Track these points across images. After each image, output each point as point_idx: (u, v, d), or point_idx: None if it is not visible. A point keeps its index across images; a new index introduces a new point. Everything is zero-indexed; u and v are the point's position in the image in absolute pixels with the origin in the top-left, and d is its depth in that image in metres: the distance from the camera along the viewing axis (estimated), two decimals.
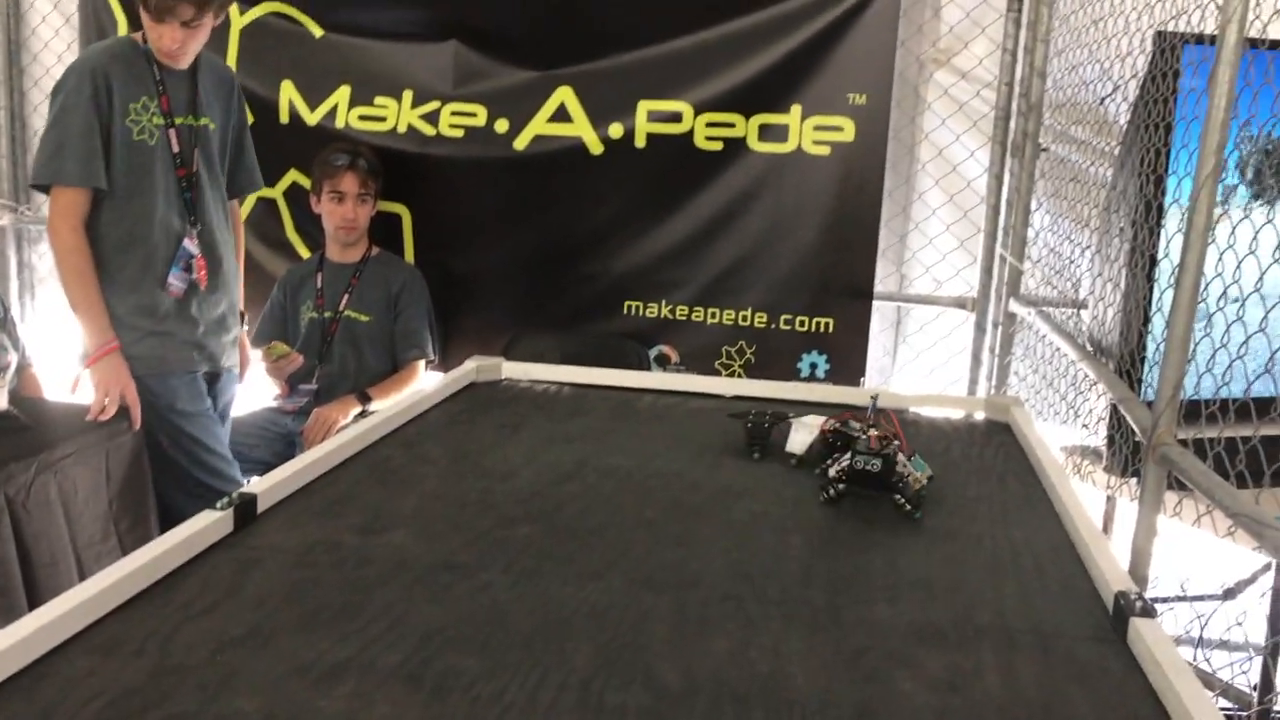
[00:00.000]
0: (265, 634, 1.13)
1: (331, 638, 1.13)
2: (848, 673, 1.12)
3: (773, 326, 3.25)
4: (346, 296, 3.24)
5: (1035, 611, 1.29)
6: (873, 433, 1.66)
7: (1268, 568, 2.12)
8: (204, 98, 2.67)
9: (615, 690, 1.06)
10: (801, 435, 1.83)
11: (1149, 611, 1.23)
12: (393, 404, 2.07)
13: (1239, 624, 2.11)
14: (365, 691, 1.03)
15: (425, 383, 3.24)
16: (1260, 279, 1.53)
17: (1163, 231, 1.93)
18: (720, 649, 1.16)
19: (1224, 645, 2.61)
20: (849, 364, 3.22)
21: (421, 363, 3.30)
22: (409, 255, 3.42)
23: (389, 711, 0.99)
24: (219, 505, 1.39)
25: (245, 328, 2.97)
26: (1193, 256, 1.45)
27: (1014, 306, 2.95)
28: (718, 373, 3.30)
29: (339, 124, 3.34)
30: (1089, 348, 2.27)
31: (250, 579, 1.27)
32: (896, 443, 1.65)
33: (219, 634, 1.13)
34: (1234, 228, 1.62)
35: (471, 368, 2.33)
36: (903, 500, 1.58)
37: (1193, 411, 1.69)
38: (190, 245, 2.63)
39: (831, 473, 1.65)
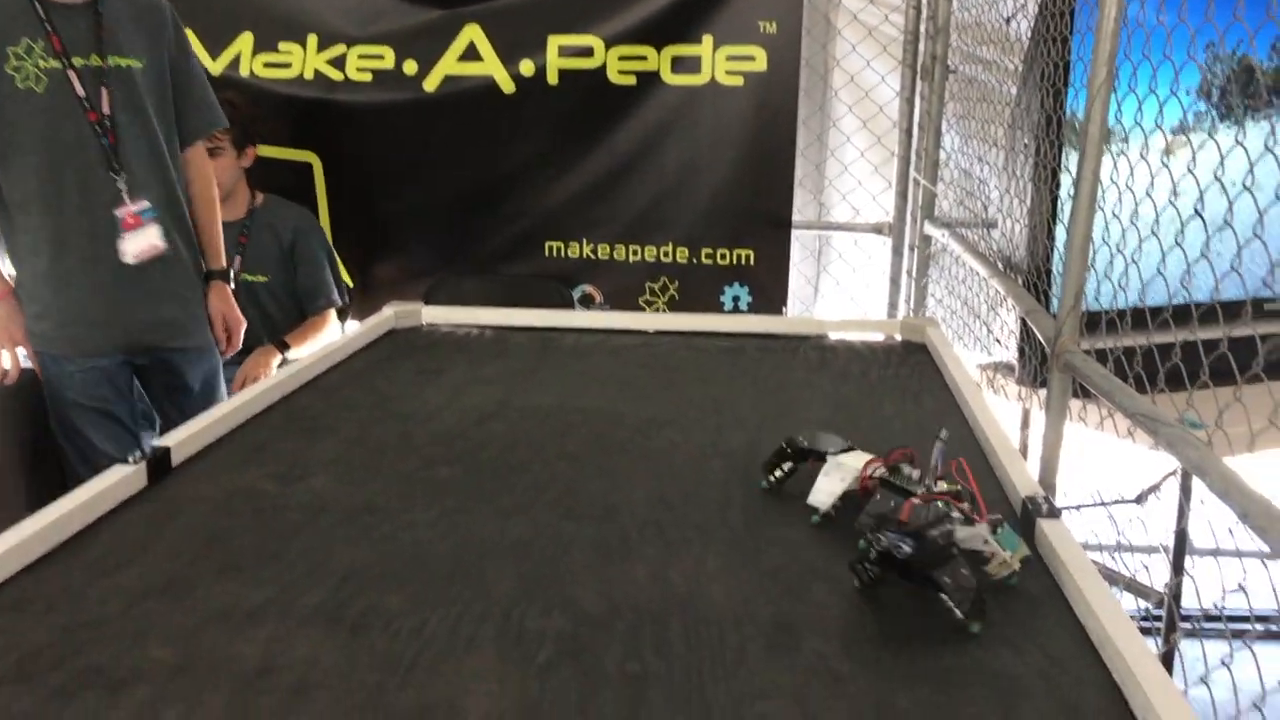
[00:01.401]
0: (181, 584, 1.13)
1: (249, 584, 1.13)
2: (765, 589, 1.15)
3: (694, 261, 3.26)
4: (239, 259, 3.02)
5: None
6: (926, 489, 1.20)
7: (1174, 473, 2.19)
8: (117, 34, 2.33)
9: (535, 617, 1.07)
10: (831, 483, 1.30)
11: (1054, 513, 1.27)
12: (310, 351, 2.05)
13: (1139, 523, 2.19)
14: (284, 634, 1.03)
15: (338, 331, 3.19)
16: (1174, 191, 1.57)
17: (1066, 145, 1.97)
18: (640, 574, 1.18)
19: (1136, 549, 2.70)
20: (771, 295, 3.24)
21: (332, 310, 3.19)
22: (321, 204, 3.36)
23: (308, 652, 1.00)
24: (130, 459, 1.37)
25: (232, 286, 2.71)
26: (1089, 167, 1.48)
27: (929, 229, 2.98)
28: (642, 310, 3.30)
29: (243, 72, 3.26)
30: (999, 265, 2.31)
31: (166, 531, 1.25)
32: (958, 509, 1.13)
33: (133, 587, 1.12)
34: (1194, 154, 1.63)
35: (390, 314, 2.31)
36: (950, 605, 1.04)
37: (1095, 322, 1.73)
38: (117, 206, 2.34)
39: (874, 550, 1.10)
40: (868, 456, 1.31)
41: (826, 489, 1.29)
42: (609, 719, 0.90)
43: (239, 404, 1.66)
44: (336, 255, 3.26)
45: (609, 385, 1.92)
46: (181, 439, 1.48)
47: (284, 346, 3.07)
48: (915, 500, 1.13)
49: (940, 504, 1.12)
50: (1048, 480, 1.56)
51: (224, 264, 2.67)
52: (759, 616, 1.08)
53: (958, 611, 1.03)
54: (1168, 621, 2.07)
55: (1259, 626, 1.94)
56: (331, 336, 3.07)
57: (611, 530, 1.29)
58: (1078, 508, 2.39)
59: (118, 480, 1.33)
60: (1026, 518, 1.28)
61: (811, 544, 1.26)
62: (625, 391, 1.88)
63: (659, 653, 1.01)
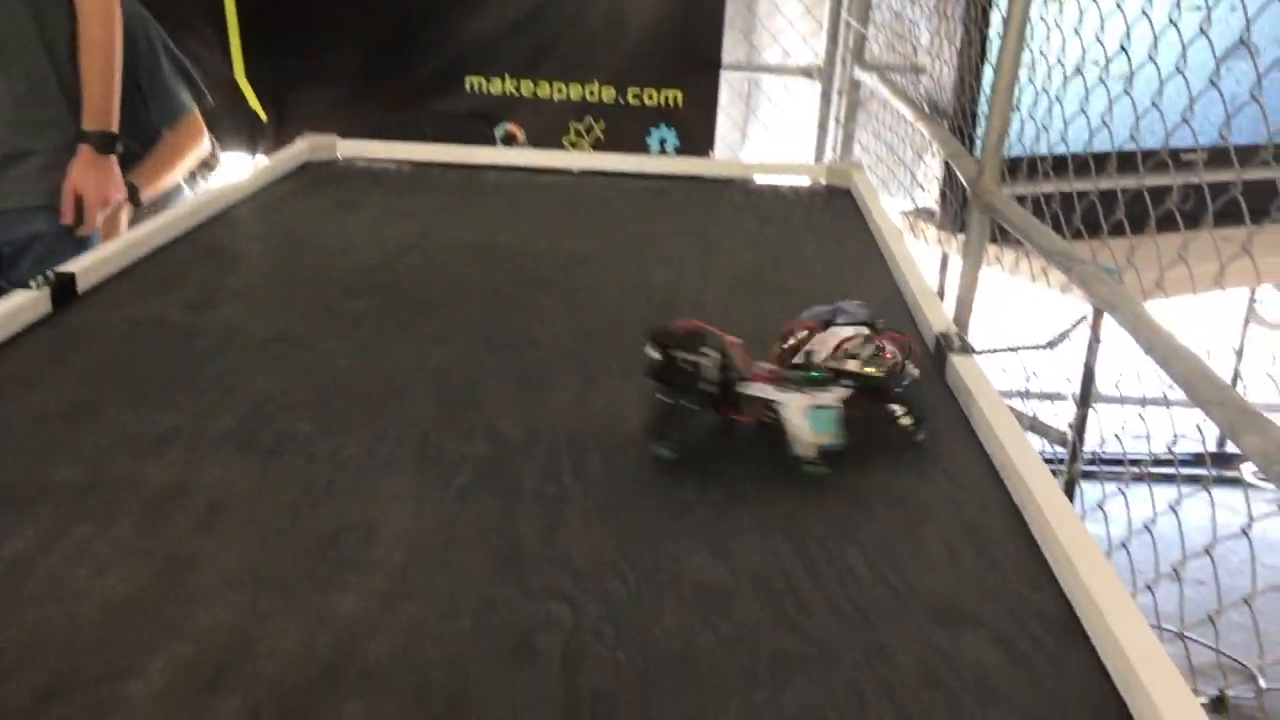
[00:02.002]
0: (88, 408, 1.10)
1: (159, 409, 1.11)
2: None
3: (621, 101, 3.19)
4: None
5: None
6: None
7: (1084, 319, 2.25)
8: None
9: (454, 443, 1.07)
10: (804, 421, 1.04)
11: (967, 349, 1.29)
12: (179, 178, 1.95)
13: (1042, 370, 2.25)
14: (195, 458, 1.02)
15: (206, 147, 2.56)
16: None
17: None
18: (560, 402, 1.18)
19: (1044, 396, 2.80)
20: (699, 138, 3.20)
21: (192, 115, 2.50)
22: (232, 35, 3.19)
23: (221, 474, 0.99)
24: (33, 284, 1.33)
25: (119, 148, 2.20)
26: (1018, 6, 1.46)
27: (858, 74, 2.94)
28: (565, 150, 3.24)
29: None
30: (926, 109, 2.30)
31: (72, 356, 1.22)
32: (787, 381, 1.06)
33: (39, 410, 1.09)
34: None
35: (304, 146, 2.23)
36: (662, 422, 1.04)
37: (1016, 169, 1.74)
38: None
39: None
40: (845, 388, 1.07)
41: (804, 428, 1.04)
42: (526, 538, 0.91)
43: (145, 233, 1.60)
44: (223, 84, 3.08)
45: (532, 222, 1.89)
46: (86, 265, 1.43)
47: (133, 194, 2.31)
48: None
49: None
50: (962, 319, 1.59)
51: (100, 125, 2.11)
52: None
53: (658, 433, 1.05)
54: (1070, 452, 2.15)
55: (1154, 469, 2.02)
56: (199, 154, 2.54)
57: (532, 360, 1.29)
58: (992, 351, 2.45)
59: (20, 304, 1.29)
60: (939, 352, 1.30)
61: None
62: (549, 229, 1.86)
63: (577, 475, 1.02)
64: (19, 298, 1.30)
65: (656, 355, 1.04)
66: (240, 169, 2.08)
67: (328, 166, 2.22)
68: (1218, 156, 1.34)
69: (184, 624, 0.78)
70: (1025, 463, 1.02)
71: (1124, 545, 1.53)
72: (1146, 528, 1.52)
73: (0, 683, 0.71)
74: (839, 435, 1.03)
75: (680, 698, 0.73)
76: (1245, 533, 1.42)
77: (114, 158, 2.14)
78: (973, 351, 1.30)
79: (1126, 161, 1.56)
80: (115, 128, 2.13)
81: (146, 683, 0.72)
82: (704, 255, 1.75)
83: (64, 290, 1.36)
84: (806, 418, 1.02)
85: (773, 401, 1.04)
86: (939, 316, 1.41)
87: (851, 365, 1.07)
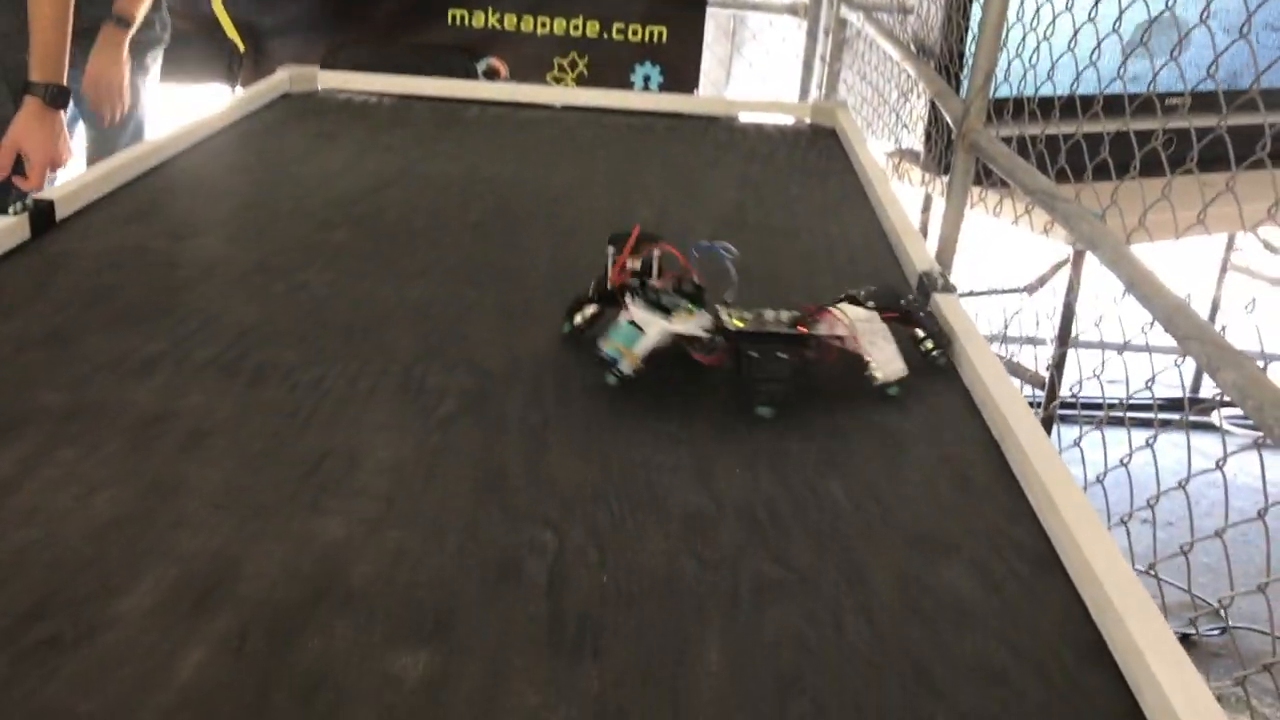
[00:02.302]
0: (69, 335, 1.10)
1: (140, 336, 1.10)
2: (665, 348, 1.16)
3: (605, 36, 3.15)
4: None
5: (844, 293, 1.35)
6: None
7: (1064, 263, 2.26)
8: None
9: (437, 374, 1.07)
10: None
11: (949, 288, 1.30)
12: None
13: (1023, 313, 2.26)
14: (178, 384, 1.01)
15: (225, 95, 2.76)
16: None
17: None
18: (542, 335, 1.18)
19: (1023, 341, 2.82)
20: (683, 75, 3.17)
21: None
22: None
23: (204, 401, 0.99)
24: (11, 210, 1.31)
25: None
26: None
27: (845, 12, 2.92)
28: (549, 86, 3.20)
29: None
30: (913, 49, 2.28)
31: (51, 283, 1.21)
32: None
33: (18, 336, 1.09)
34: None
35: (284, 77, 2.20)
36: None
37: (1001, 111, 1.74)
38: None
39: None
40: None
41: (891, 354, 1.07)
42: (510, 466, 0.92)
43: (123, 162, 1.58)
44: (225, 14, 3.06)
45: (514, 158, 1.88)
46: (65, 194, 1.41)
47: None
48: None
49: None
50: (945, 259, 1.59)
51: (50, 76, 1.89)
52: (658, 373, 1.10)
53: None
54: (1048, 391, 2.17)
55: (1130, 415, 2.04)
56: None
57: (515, 294, 1.28)
58: (970, 294, 2.46)
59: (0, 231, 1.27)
60: (922, 290, 1.31)
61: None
62: (531, 164, 1.84)
63: (561, 406, 1.03)
64: None
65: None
66: (219, 100, 2.04)
67: (308, 98, 2.19)
68: (1202, 101, 1.34)
69: (170, 546, 0.78)
70: (1005, 398, 1.03)
71: (1099, 480, 1.55)
72: (1122, 463, 1.54)
73: None
74: (620, 351, 1.03)
75: (664, 620, 0.75)
76: (1219, 466, 1.44)
77: (62, 114, 1.93)
78: (955, 290, 1.30)
79: (1112, 105, 1.56)
80: (65, 80, 1.92)
81: (135, 601, 0.72)
82: (689, 192, 1.74)
83: (42, 217, 1.35)
84: (618, 326, 1.04)
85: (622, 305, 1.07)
86: (922, 255, 1.41)
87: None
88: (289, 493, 0.86)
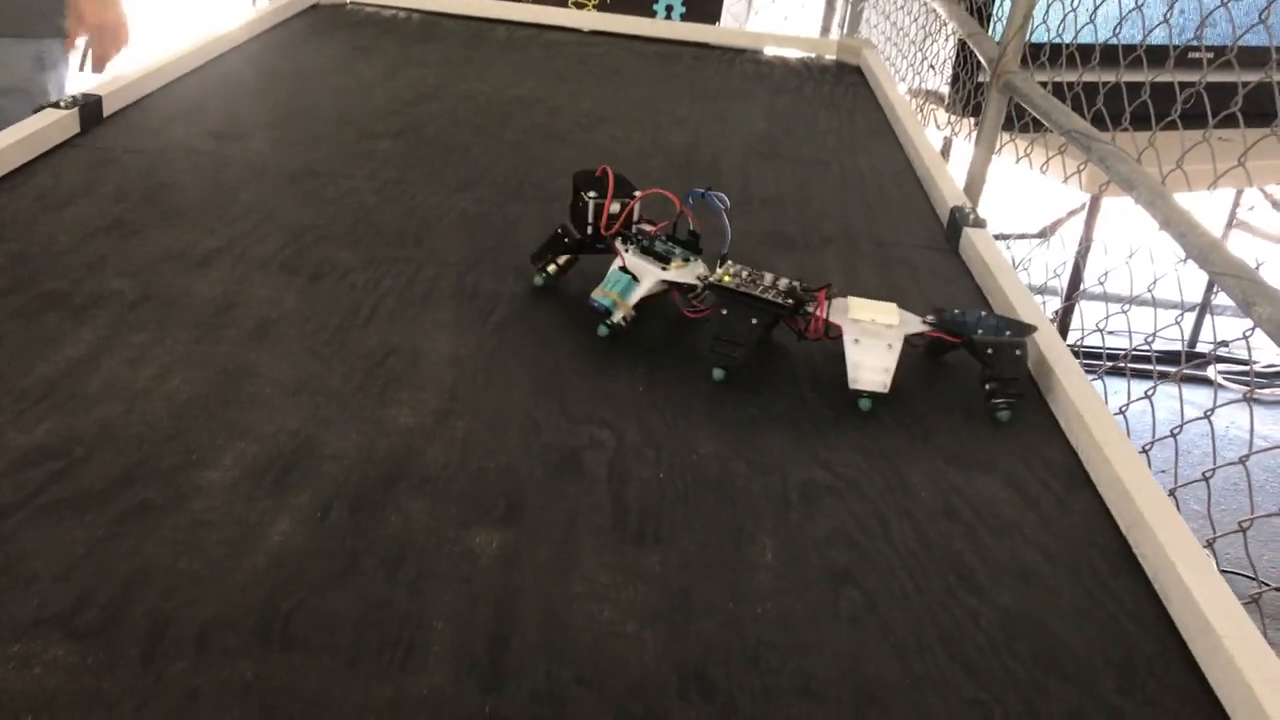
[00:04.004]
0: (130, 226, 1.12)
1: (198, 231, 1.13)
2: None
3: None
4: None
5: (876, 225, 1.38)
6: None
7: (1080, 208, 2.29)
8: None
9: (489, 280, 1.11)
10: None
11: (980, 223, 1.33)
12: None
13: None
14: (240, 277, 1.04)
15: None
16: None
17: None
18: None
19: (1036, 292, 2.85)
20: (705, 6, 3.15)
21: None
22: None
23: (268, 294, 1.02)
24: (61, 103, 1.33)
25: None
26: None
27: None
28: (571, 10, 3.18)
29: None
30: None
31: (106, 176, 1.23)
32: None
33: (81, 225, 1.11)
34: None
35: None
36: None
37: (1035, 57, 1.75)
38: None
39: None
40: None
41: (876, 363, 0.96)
42: (565, 371, 0.96)
43: (167, 61, 1.59)
44: None
45: (545, 78, 1.89)
46: (112, 90, 1.42)
47: None
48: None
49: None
50: (973, 197, 1.62)
51: None
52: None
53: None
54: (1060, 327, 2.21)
55: (1132, 366, 2.09)
56: None
57: (557, 211, 1.31)
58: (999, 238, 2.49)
59: (50, 123, 1.29)
60: (953, 225, 1.34)
61: (751, 233, 1.30)
62: (562, 86, 1.86)
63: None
64: (49, 116, 1.30)
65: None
66: (243, 9, 2.04)
67: (337, 10, 2.19)
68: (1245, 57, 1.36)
69: (248, 426, 0.82)
70: (1039, 328, 1.07)
71: None
72: (1120, 412, 1.59)
73: (77, 469, 0.75)
74: (614, 301, 1.00)
75: (719, 514, 0.79)
76: (1207, 416, 1.49)
77: None
78: (985, 225, 1.34)
79: (1152, 55, 1.58)
80: None
81: (219, 474, 0.76)
82: (718, 121, 1.76)
83: (91, 112, 1.36)
84: (611, 273, 1.01)
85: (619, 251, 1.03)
86: (953, 191, 1.44)
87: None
88: (358, 383, 0.89)
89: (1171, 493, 1.58)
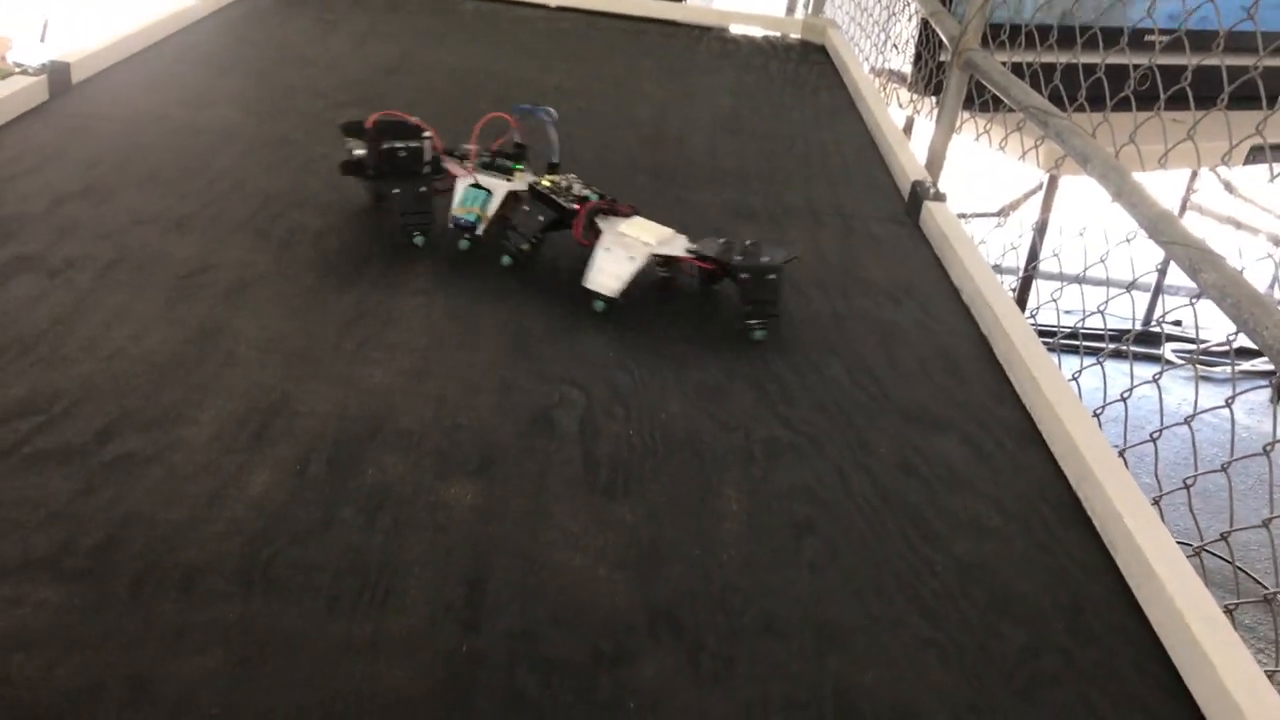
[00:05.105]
0: (103, 191, 1.13)
1: (172, 195, 1.13)
2: None
3: None
4: None
5: (839, 198, 1.41)
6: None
7: (1037, 188, 2.34)
8: None
9: (458, 247, 1.12)
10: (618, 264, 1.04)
11: (940, 197, 1.37)
12: None
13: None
14: (215, 239, 1.05)
15: None
16: None
17: None
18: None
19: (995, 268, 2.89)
20: None
21: None
22: None
23: (240, 256, 1.03)
24: (30, 70, 1.33)
25: None
26: None
27: None
28: None
29: None
30: None
31: (77, 142, 1.24)
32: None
33: (53, 189, 1.12)
34: None
35: None
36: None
37: (994, 36, 1.79)
38: None
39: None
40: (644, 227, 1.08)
41: (613, 270, 1.03)
42: (535, 333, 0.98)
43: (133, 31, 1.59)
44: None
45: (513, 52, 1.90)
46: (80, 58, 1.42)
47: None
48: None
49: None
50: (934, 169, 1.66)
51: None
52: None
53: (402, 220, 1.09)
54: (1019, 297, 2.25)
55: (1085, 344, 2.14)
56: None
57: None
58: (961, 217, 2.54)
59: (19, 89, 1.29)
60: (914, 199, 1.37)
61: (715, 204, 1.33)
62: (530, 60, 1.87)
63: (576, 279, 1.08)
64: (17, 83, 1.30)
65: (360, 150, 1.09)
66: None
67: None
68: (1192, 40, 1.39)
69: (224, 382, 0.84)
70: (992, 295, 1.11)
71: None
72: (1073, 379, 1.63)
73: (59, 423, 0.77)
74: (475, 213, 1.10)
75: (686, 469, 0.81)
76: (1154, 380, 1.53)
77: None
78: (945, 199, 1.37)
79: (1091, 36, 1.62)
80: None
81: (198, 429, 0.78)
82: (684, 97, 1.79)
83: (61, 79, 1.36)
84: (463, 190, 1.11)
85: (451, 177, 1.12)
86: (914, 166, 1.48)
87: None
88: (332, 342, 0.91)
89: (1121, 454, 1.62)
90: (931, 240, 1.30)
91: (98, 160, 1.20)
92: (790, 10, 3.22)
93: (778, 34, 2.33)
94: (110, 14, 3.07)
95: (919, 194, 1.36)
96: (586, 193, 1.10)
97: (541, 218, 1.08)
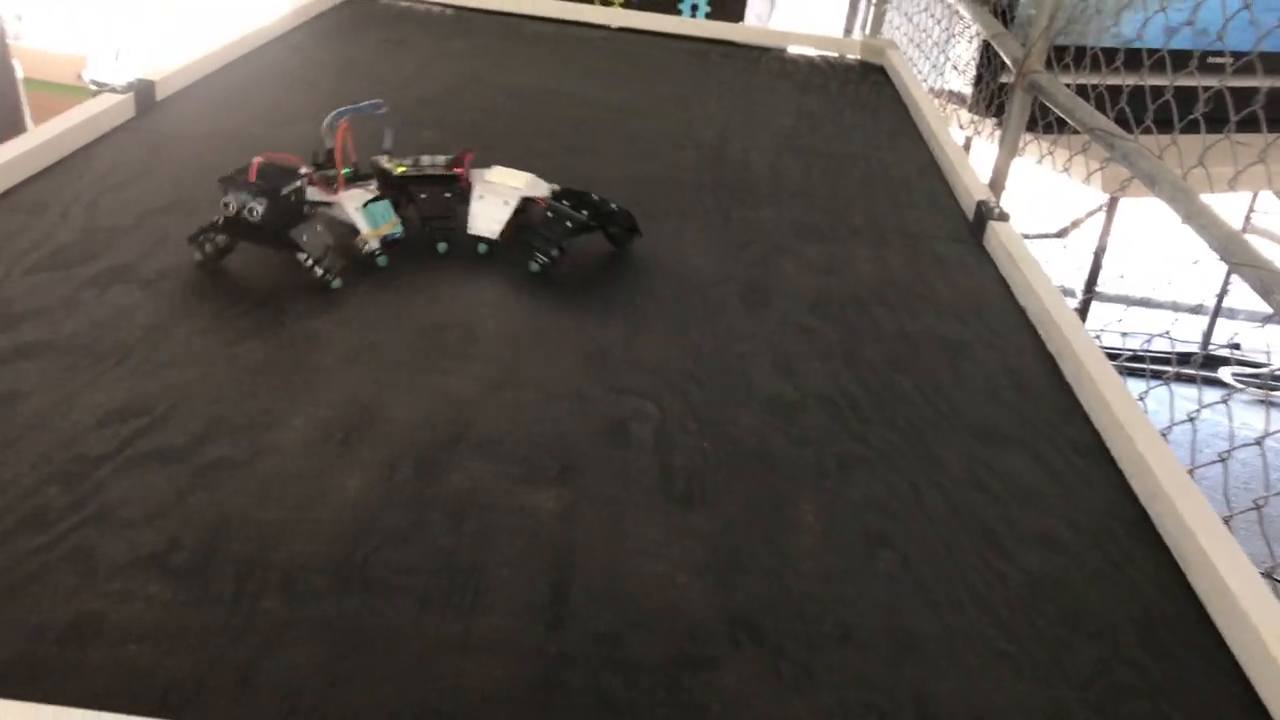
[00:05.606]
0: (186, 206, 1.17)
1: None
2: (738, 257, 1.24)
3: None
4: None
5: (903, 217, 1.43)
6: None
7: (1099, 209, 2.33)
8: None
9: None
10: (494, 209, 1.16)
11: (1004, 217, 1.37)
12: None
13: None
14: None
15: None
16: None
17: None
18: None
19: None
20: (729, 6, 3.19)
21: None
22: None
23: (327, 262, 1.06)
24: (117, 88, 1.38)
25: None
26: None
27: None
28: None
29: None
30: None
31: (161, 159, 1.28)
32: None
33: (140, 203, 1.16)
34: None
35: None
36: (310, 263, 1.02)
37: (1059, 58, 1.79)
38: None
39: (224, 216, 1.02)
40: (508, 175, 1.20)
41: (491, 215, 1.15)
42: (610, 346, 1.00)
43: (210, 52, 1.64)
44: None
45: (578, 72, 1.94)
46: (165, 75, 1.47)
47: None
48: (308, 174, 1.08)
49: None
50: (996, 190, 1.66)
51: None
52: (736, 278, 1.18)
53: (318, 269, 1.02)
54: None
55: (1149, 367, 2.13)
56: None
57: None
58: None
59: (108, 107, 1.34)
60: (979, 219, 1.38)
61: (779, 222, 1.35)
62: (595, 80, 1.90)
63: (649, 297, 1.10)
64: (107, 100, 1.35)
65: (259, 204, 1.00)
66: (279, 3, 2.09)
67: (371, 4, 2.23)
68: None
69: (315, 390, 0.87)
70: (1060, 315, 1.11)
71: None
72: (1140, 398, 1.63)
73: (157, 427, 0.80)
74: (395, 226, 1.11)
75: (761, 482, 0.83)
76: (1223, 401, 1.53)
77: None
78: (1009, 219, 1.38)
79: (1167, 59, 1.62)
80: None
81: (291, 434, 0.81)
82: (746, 116, 1.81)
83: (146, 97, 1.41)
84: (362, 212, 1.10)
85: (328, 203, 1.10)
86: (977, 186, 1.49)
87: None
88: (417, 354, 0.94)
89: (1190, 473, 1.62)
90: (996, 260, 1.31)
91: (180, 176, 1.24)
92: (848, 31, 3.24)
93: (835, 54, 2.34)
94: (175, 33, 3.14)
95: (984, 213, 1.37)
96: (441, 158, 1.19)
97: (449, 194, 1.15)
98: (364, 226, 1.09)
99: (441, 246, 1.14)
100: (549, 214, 1.14)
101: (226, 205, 1.00)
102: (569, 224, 1.13)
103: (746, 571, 0.73)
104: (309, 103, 1.55)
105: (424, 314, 1.01)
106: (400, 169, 1.16)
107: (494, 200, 1.15)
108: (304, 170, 1.07)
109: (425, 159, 1.19)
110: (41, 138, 1.21)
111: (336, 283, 1.03)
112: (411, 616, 0.65)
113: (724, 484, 0.82)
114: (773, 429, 0.91)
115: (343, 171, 1.13)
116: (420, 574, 0.69)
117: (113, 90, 1.37)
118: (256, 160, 1.02)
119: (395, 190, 1.15)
